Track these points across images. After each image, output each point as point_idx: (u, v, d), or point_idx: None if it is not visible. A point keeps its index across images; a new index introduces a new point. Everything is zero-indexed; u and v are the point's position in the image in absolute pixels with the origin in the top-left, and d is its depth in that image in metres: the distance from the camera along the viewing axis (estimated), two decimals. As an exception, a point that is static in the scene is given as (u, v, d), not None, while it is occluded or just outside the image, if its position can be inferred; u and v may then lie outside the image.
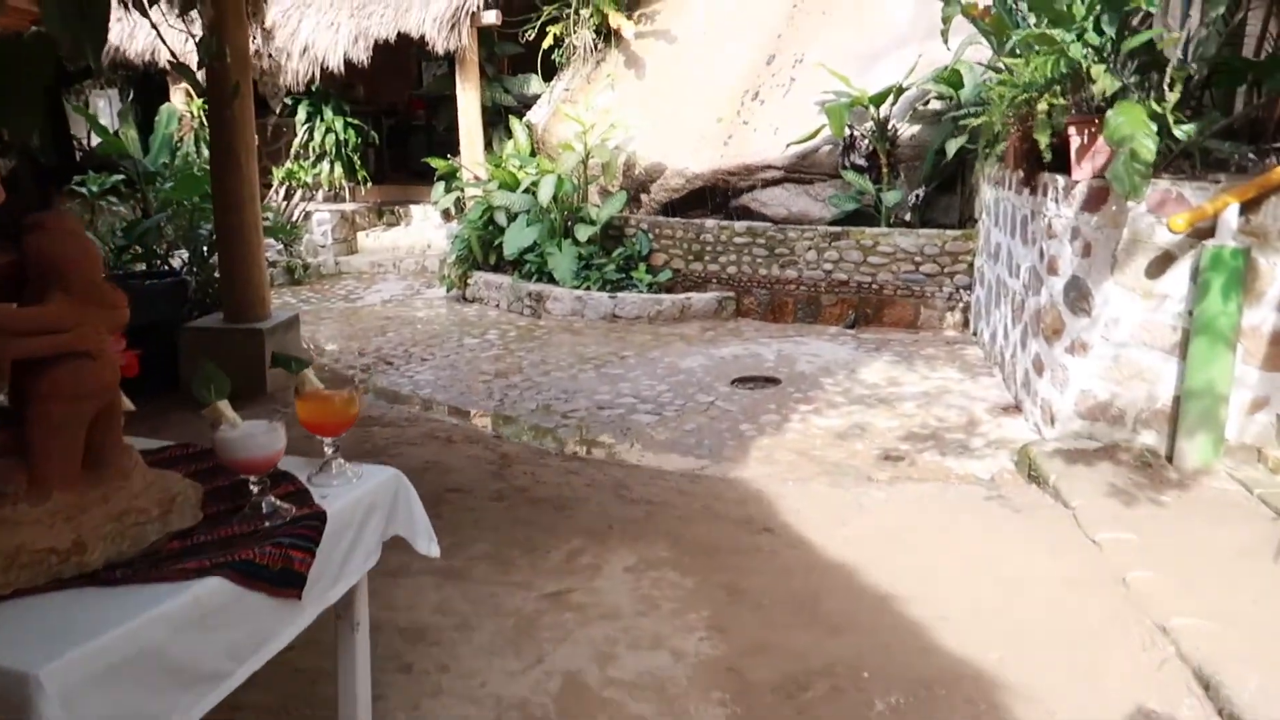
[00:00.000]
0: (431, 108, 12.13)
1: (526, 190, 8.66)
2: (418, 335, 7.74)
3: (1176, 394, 4.07)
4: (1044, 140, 4.60)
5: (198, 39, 4.95)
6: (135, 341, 5.49)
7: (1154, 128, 3.70)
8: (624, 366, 6.54)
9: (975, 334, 7.09)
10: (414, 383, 6.31)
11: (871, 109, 8.00)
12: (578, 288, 8.25)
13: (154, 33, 5.84)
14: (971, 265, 7.32)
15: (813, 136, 8.25)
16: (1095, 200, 4.24)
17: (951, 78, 7.53)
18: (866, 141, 8.14)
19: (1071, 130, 4.31)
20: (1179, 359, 4.04)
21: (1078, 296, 4.38)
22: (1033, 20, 6.00)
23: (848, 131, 8.02)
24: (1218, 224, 3.79)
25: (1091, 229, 4.26)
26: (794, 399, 5.65)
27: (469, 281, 9.17)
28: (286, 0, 9.82)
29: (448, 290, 9.37)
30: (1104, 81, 3.92)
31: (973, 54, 7.45)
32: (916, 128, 8.10)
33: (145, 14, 3.85)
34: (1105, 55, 4.12)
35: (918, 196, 7.93)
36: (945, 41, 6.36)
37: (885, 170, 8.06)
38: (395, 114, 13.10)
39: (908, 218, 7.94)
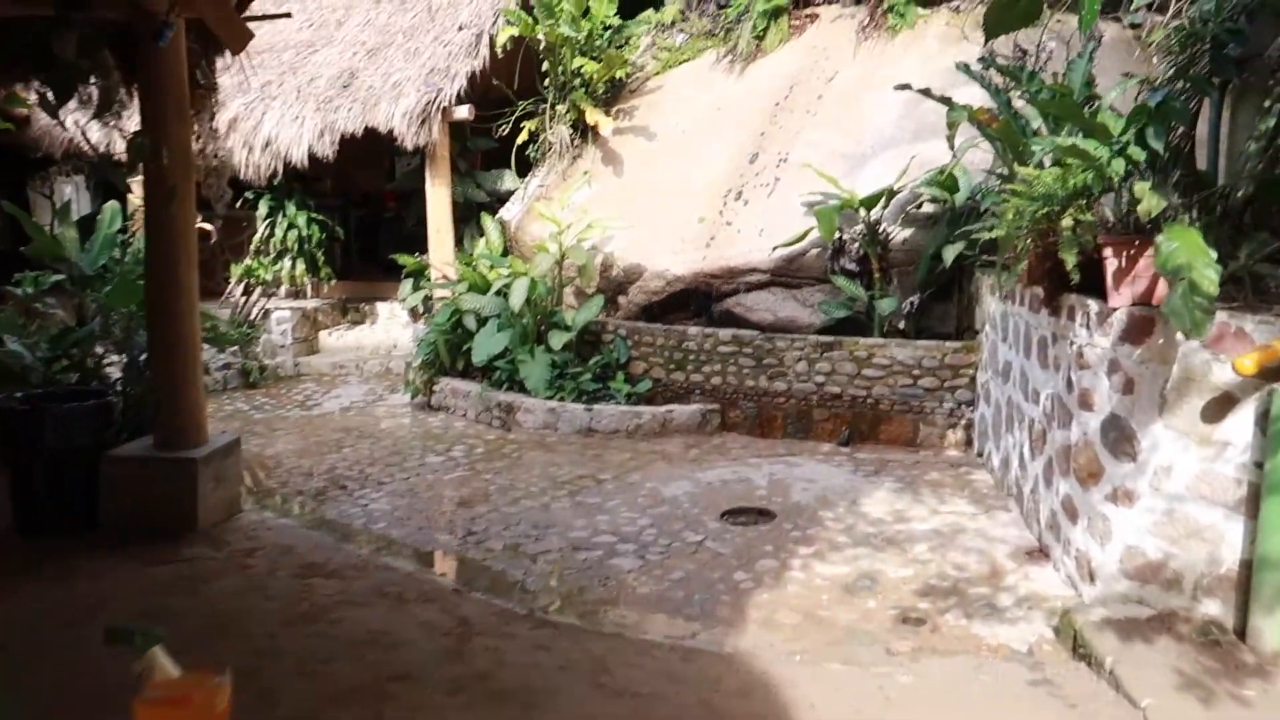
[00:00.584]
0: (403, 200, 11.72)
1: (498, 293, 8.14)
2: (377, 451, 7.10)
3: (1244, 558, 3.52)
4: (1071, 260, 4.14)
5: (129, 136, 4.45)
6: (51, 470, 4.79)
7: (1213, 255, 3.23)
8: (601, 493, 5.93)
9: (981, 455, 6.57)
10: (368, 513, 5.65)
11: (862, 211, 7.62)
12: (551, 398, 7.68)
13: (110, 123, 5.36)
14: (973, 380, 6.83)
15: (800, 239, 7.85)
16: (1138, 331, 3.75)
17: (947, 181, 7.17)
18: (857, 245, 7.73)
19: (1108, 252, 3.85)
20: (1246, 518, 3.50)
21: (1119, 438, 3.86)
22: (1037, 125, 5.66)
23: (837, 235, 7.62)
24: (1290, 366, 3.30)
25: (1134, 363, 3.76)
26: (792, 538, 5.05)
27: (435, 388, 8.58)
28: (250, 92, 9.42)
29: (412, 397, 8.76)
30: (1150, 201, 3.47)
31: (970, 159, 7.13)
32: (909, 231, 7.71)
33: (53, 115, 3.35)
34: (1147, 172, 3.69)
35: (912, 304, 7.49)
36: (951, 146, 5.99)
37: (877, 276, 7.63)
38: (366, 205, 12.68)
39: (901, 326, 7.49)
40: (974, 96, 6.88)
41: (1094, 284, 4.19)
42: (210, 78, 5.24)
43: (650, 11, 11.30)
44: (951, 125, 5.43)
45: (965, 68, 5.95)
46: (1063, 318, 4.53)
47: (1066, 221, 4.24)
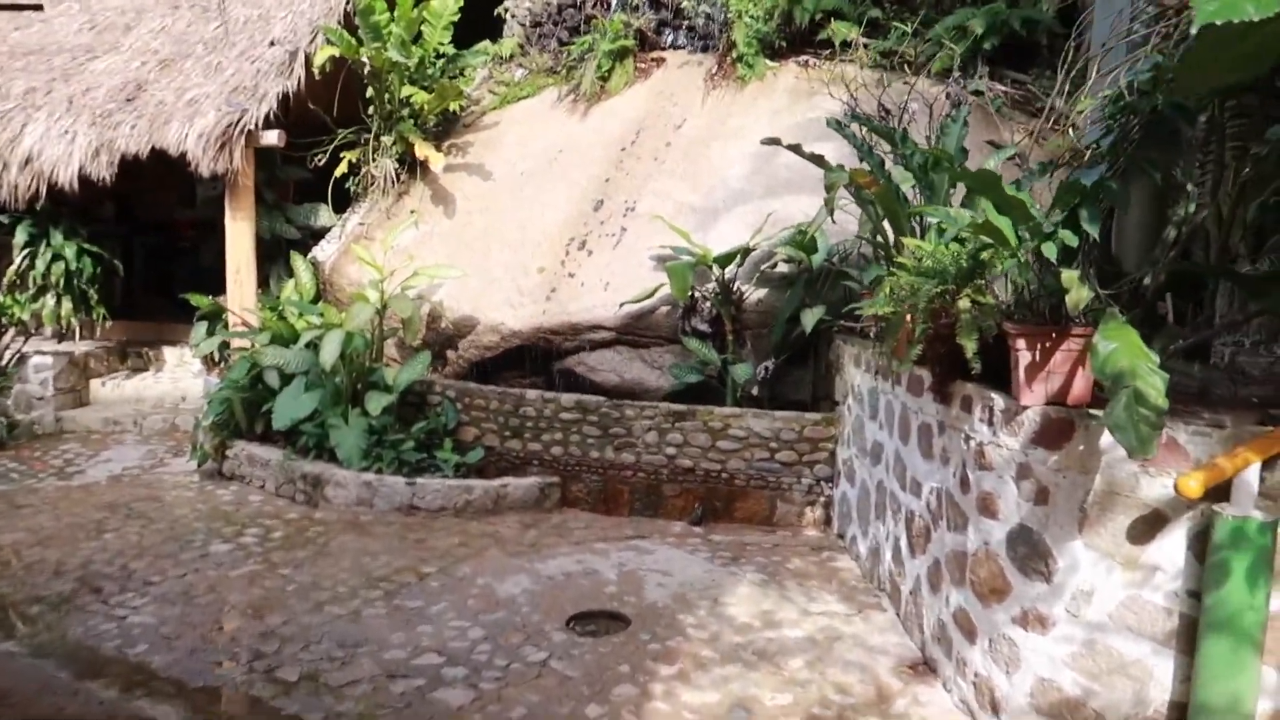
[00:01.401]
0: (203, 230, 10.37)
1: (308, 346, 7.08)
2: (148, 537, 5.88)
3: (1174, 699, 3.09)
4: (971, 346, 3.68)
5: None
6: None
7: (1156, 359, 2.80)
8: (425, 593, 5.03)
9: (842, 537, 6.11)
10: (125, 630, 4.51)
11: (715, 269, 7.11)
12: (367, 469, 6.69)
13: None
14: (833, 454, 6.40)
15: (649, 295, 7.26)
16: (1055, 435, 3.31)
17: (806, 242, 6.76)
18: (710, 305, 7.21)
19: (1020, 343, 3.39)
20: (1177, 653, 3.07)
21: (1030, 554, 3.39)
22: (908, 188, 5.30)
23: (690, 293, 7.07)
24: (1235, 485, 2.91)
25: (1049, 470, 3.31)
26: (651, 653, 4.34)
27: (228, 453, 7.38)
28: (8, 99, 7.97)
29: (200, 463, 7.51)
30: (1079, 292, 3.02)
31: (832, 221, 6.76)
32: (763, 292, 7.26)
33: None
34: (1078, 260, 3.27)
35: (766, 369, 7.02)
36: (830, 209, 5.52)
37: (730, 338, 7.13)
38: (159, 231, 11.17)
39: (756, 393, 7.00)
40: (834, 154, 6.56)
41: (992, 371, 3.76)
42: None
43: (487, 43, 10.55)
44: (830, 187, 4.97)
45: (837, 124, 5.55)
46: (954, 407, 4.08)
47: (964, 303, 3.79)
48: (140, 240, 11.08)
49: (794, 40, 9.55)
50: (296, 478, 6.75)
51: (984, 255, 3.76)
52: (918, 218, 4.98)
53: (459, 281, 7.69)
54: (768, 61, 9.37)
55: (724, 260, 7.01)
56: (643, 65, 9.99)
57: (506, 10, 11.27)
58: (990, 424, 3.67)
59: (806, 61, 9.41)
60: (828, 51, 9.39)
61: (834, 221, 5.76)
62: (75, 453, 8.12)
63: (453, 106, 9.07)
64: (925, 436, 4.48)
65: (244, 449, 7.25)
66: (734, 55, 9.40)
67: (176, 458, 7.97)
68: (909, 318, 4.05)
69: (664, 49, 10.31)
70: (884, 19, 9.31)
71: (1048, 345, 3.36)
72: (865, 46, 9.16)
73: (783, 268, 7.21)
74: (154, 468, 7.73)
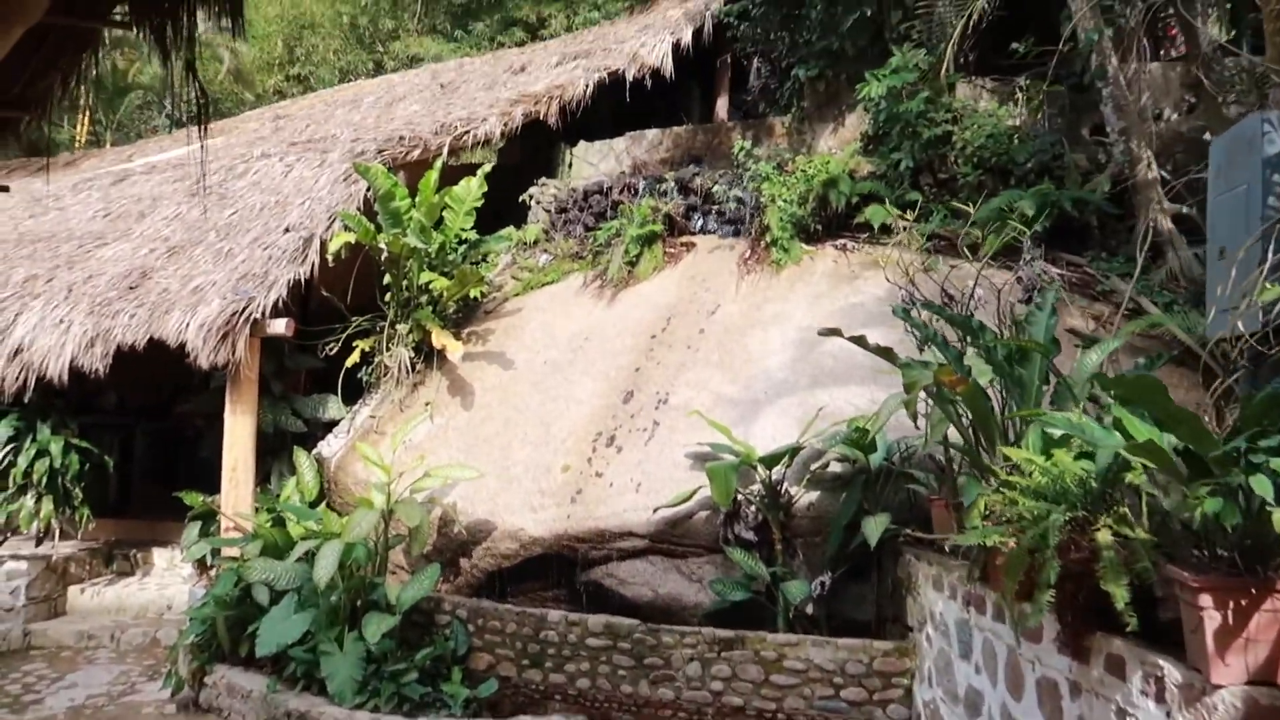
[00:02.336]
0: (210, 420, 9.76)
1: (302, 558, 6.28)
2: (93, 799, 4.91)
3: None
4: (1122, 595, 2.87)
5: None
6: None
7: None
8: None
9: (929, 799, 5.05)
10: None
11: (760, 470, 6.36)
12: (362, 705, 5.73)
13: None
14: (909, 691, 5.42)
15: (687, 499, 6.48)
16: (1273, 732, 2.44)
17: (863, 440, 6.03)
18: (754, 509, 6.42)
19: (1205, 599, 2.58)
20: None
21: None
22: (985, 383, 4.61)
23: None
24: None
25: (1266, 781, 2.42)
26: None
27: (207, 680, 6.45)
28: (5, 288, 7.57)
29: (174, 691, 6.58)
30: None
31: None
32: (815, 495, 6.47)
33: None
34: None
35: (822, 585, 6.13)
36: (913, 417, 4.81)
37: (779, 548, 6.30)
38: (164, 419, 10.57)
39: (810, 611, 6.09)
40: (889, 342, 5.94)
41: (1149, 623, 2.93)
42: None
43: (511, 229, 10.29)
44: (911, 386, 4.27)
45: (904, 312, 4.92)
46: (1095, 667, 3.21)
47: (1105, 537, 3.01)
48: (143, 429, 10.49)
49: (830, 224, 9.20)
50: (280, 715, 5.79)
51: (1129, 477, 3.00)
52: (1014, 422, 4.26)
53: (475, 481, 6.95)
54: (803, 245, 8.98)
55: (770, 461, 6.27)
56: (672, 250, 9.63)
57: (531, 197, 11.10)
58: (1161, 701, 2.80)
59: (844, 245, 9.01)
60: (866, 235, 9.02)
61: (917, 426, 5.04)
62: (38, 675, 7.20)
63: (474, 293, 8.64)
64: (1050, 697, 3.58)
65: (224, 676, 6.32)
66: (768, 239, 9.03)
67: (151, 681, 7.04)
68: (1031, 553, 3.24)
69: (693, 233, 9.99)
70: (923, 201, 8.97)
71: (1244, 604, 2.55)
72: (906, 230, 8.76)
73: (835, 467, 6.45)
74: (123, 695, 6.78)
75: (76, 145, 20.98)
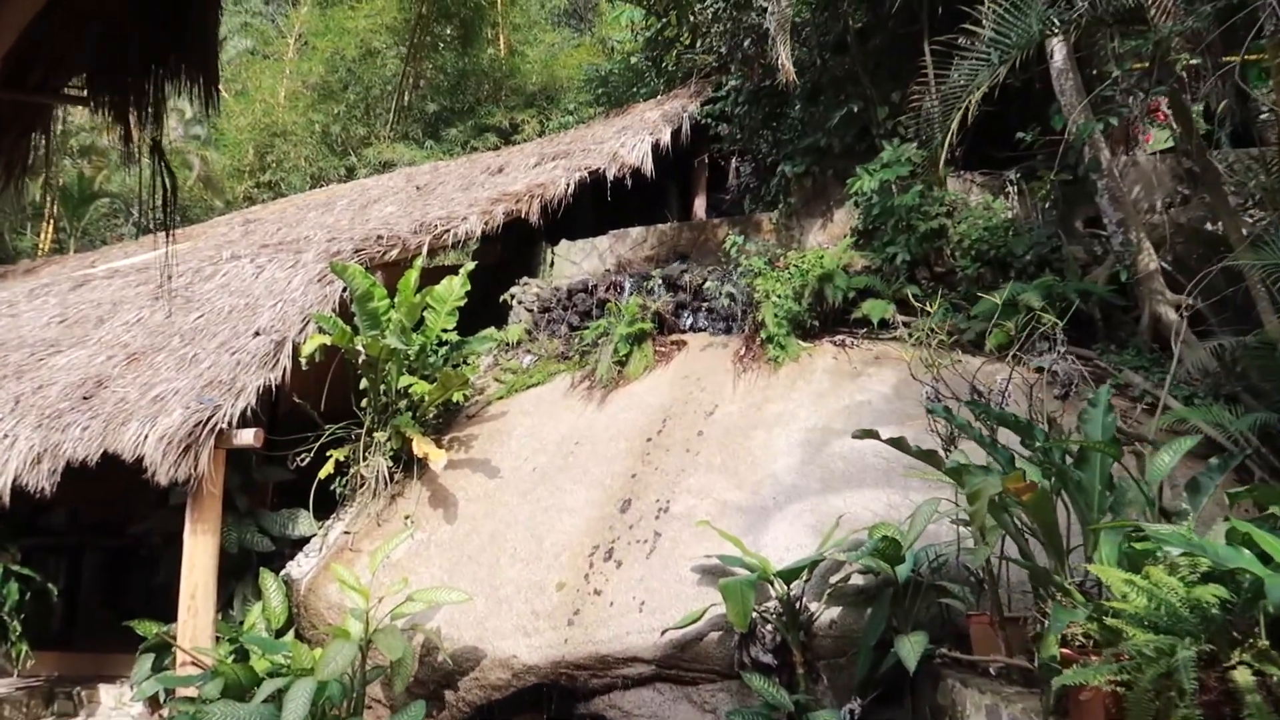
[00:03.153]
0: (169, 539, 9.01)
1: (268, 699, 5.56)
2: None
3: None
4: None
5: None
6: None
7: None
8: None
9: None
10: None
11: (776, 585, 5.82)
12: None
13: None
14: (963, 842, 4.78)
15: (696, 619, 5.90)
16: None
17: (889, 550, 5.52)
18: (771, 629, 5.85)
19: None
20: None
21: None
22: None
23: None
24: None
25: None
26: None
27: (153, 844, 5.64)
28: (-54, 400, 6.97)
29: None
30: None
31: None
32: (837, 611, 5.92)
33: None
34: None
35: (851, 714, 5.52)
36: (984, 539, 4.31)
37: (800, 671, 5.71)
38: (117, 538, 9.77)
39: (839, 741, 5.47)
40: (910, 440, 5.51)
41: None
42: None
43: (492, 330, 9.85)
44: (975, 496, 3.78)
45: (945, 410, 4.50)
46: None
47: (1244, 678, 2.53)
48: (92, 549, 9.70)
49: (826, 319, 8.90)
50: None
51: (1264, 603, 2.54)
52: (1101, 535, 3.79)
53: (460, 602, 6.30)
54: (800, 342, 8.63)
55: (789, 575, 5.73)
56: (662, 349, 9.24)
57: (513, 296, 10.73)
58: None
59: (843, 341, 8.68)
60: (864, 330, 8.71)
61: (993, 550, 4.54)
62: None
63: (457, 397, 8.14)
64: None
65: (174, 840, 5.52)
66: (763, 336, 8.67)
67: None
68: (1154, 695, 2.74)
69: (683, 331, 9.64)
70: (920, 295, 8.70)
71: None
72: (907, 325, 8.47)
73: (858, 580, 5.93)
74: None
75: (40, 253, 20.46)
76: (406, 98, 23.71)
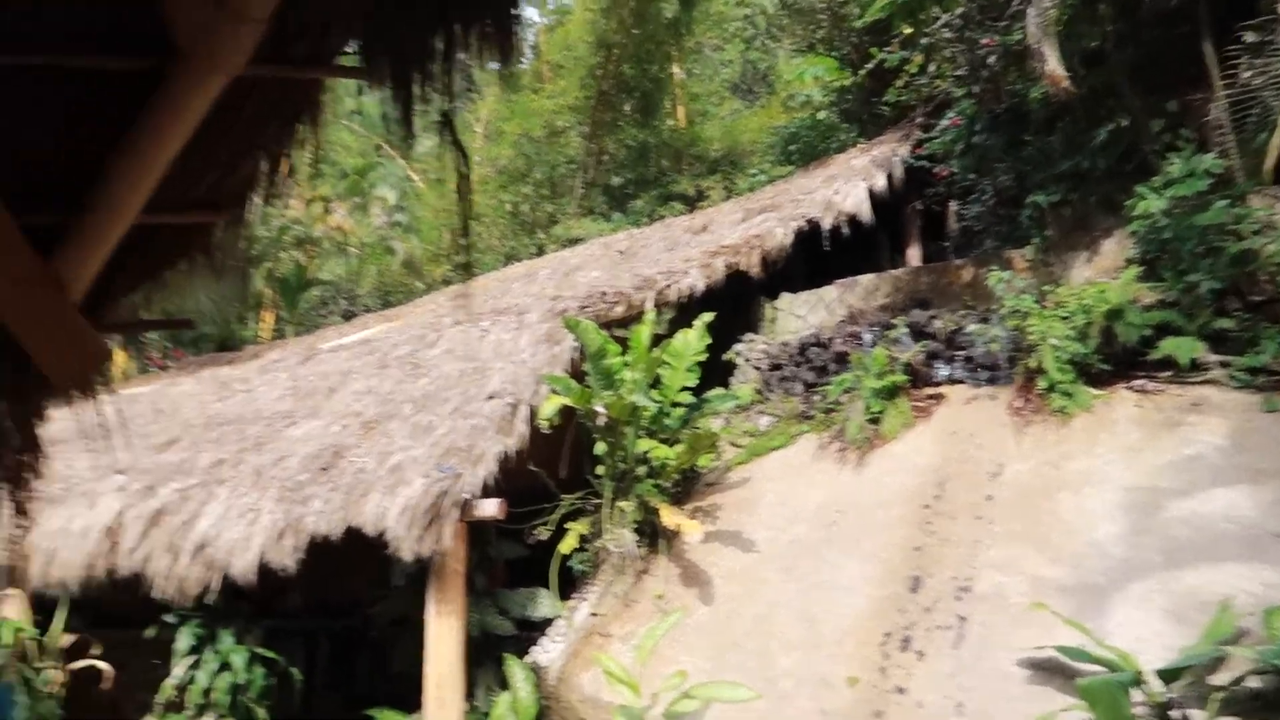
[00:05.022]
0: (398, 624, 8.59)
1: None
2: None
3: None
4: None
5: None
6: None
7: None
8: None
9: None
10: None
11: (1150, 685, 4.61)
12: None
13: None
14: None
15: (1041, 726, 4.75)
16: None
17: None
18: (1140, 743, 4.63)
19: None
20: None
21: None
22: None
23: (1114, 726, 4.53)
24: None
25: None
26: None
27: None
28: (192, 474, 6.79)
29: None
30: None
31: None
32: (1228, 721, 4.64)
33: None
34: None
35: None
36: None
37: (1186, 798, 4.45)
38: (348, 613, 9.45)
39: None
40: (1259, 503, 4.31)
41: None
42: (25, 439, 2.55)
43: (719, 389, 9.09)
44: None
45: None
46: None
47: None
48: (325, 633, 9.41)
49: (1118, 362, 7.61)
50: None
51: None
52: None
53: (740, 704, 5.40)
54: (1090, 389, 7.40)
55: (1170, 675, 4.53)
56: (919, 403, 8.19)
57: (738, 354, 9.96)
58: None
59: (1143, 387, 7.37)
60: (1168, 374, 7.38)
61: None
62: None
63: (702, 462, 7.37)
64: None
65: None
66: (1044, 384, 7.48)
67: None
68: None
69: (938, 383, 8.54)
70: (1235, 330, 7.34)
71: None
72: (1224, 365, 7.13)
73: (1254, 682, 4.63)
74: None
75: (260, 340, 21.56)
76: (590, 173, 23.98)
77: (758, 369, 9.75)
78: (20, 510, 2.94)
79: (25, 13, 2.10)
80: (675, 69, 23.85)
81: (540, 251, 23.15)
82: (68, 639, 7.35)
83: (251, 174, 2.76)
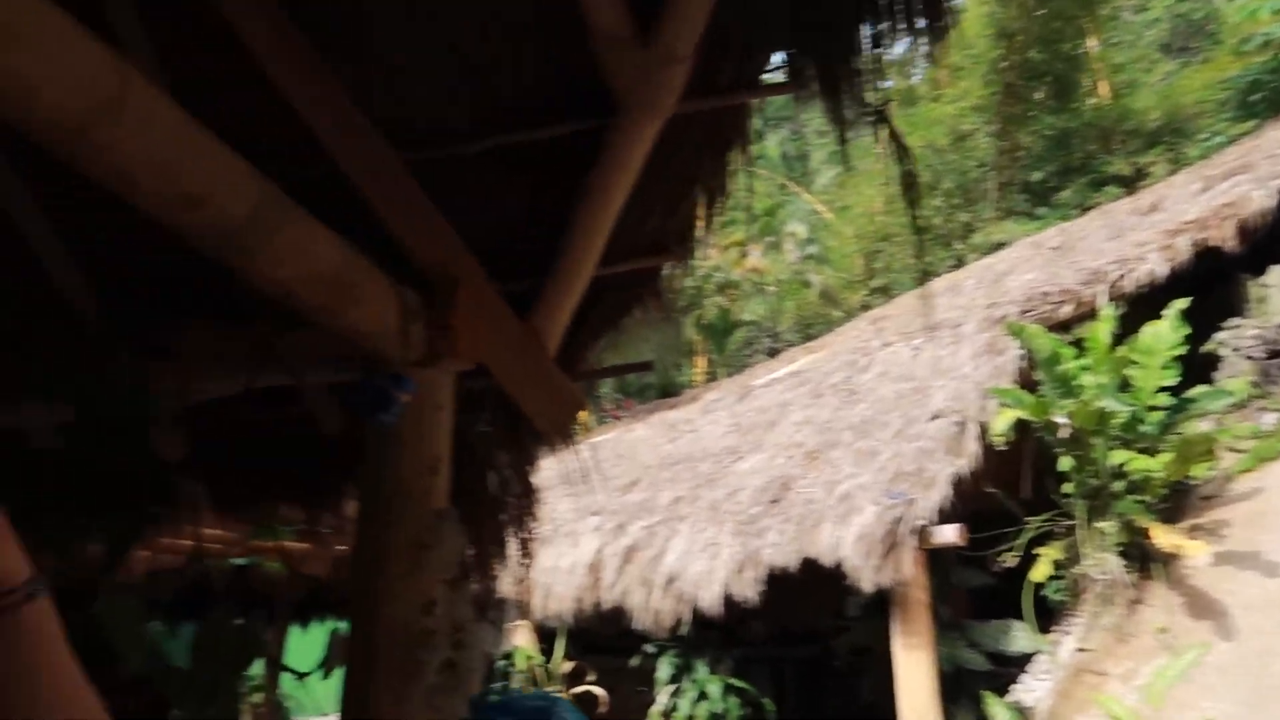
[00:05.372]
0: (859, 654, 8.44)
1: None
2: None
3: None
4: None
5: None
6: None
7: None
8: None
9: None
10: None
11: None
12: None
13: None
14: None
15: None
16: None
17: None
18: None
19: None
20: None
21: None
22: None
23: None
24: None
25: None
26: None
27: None
28: (655, 512, 7.26)
29: None
30: None
31: None
32: None
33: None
34: None
35: None
36: None
37: None
38: (809, 642, 9.45)
39: None
40: None
41: None
42: (523, 485, 2.81)
43: (1203, 386, 7.79)
44: None
45: None
46: None
47: None
48: (791, 663, 9.48)
49: None
50: None
51: None
52: None
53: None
54: None
55: None
56: None
57: (1221, 343, 8.52)
58: None
59: None
60: None
61: None
62: None
63: (1196, 472, 6.33)
64: None
65: None
66: None
67: None
68: None
69: None
70: None
71: None
72: None
73: None
74: None
75: (693, 384, 22.95)
76: (1005, 172, 22.51)
77: (1250, 358, 8.24)
78: (524, 549, 3.25)
79: (486, 100, 2.31)
80: (1091, 42, 21.70)
81: (959, 263, 22.05)
82: (568, 665, 8.19)
83: (691, 212, 2.82)
